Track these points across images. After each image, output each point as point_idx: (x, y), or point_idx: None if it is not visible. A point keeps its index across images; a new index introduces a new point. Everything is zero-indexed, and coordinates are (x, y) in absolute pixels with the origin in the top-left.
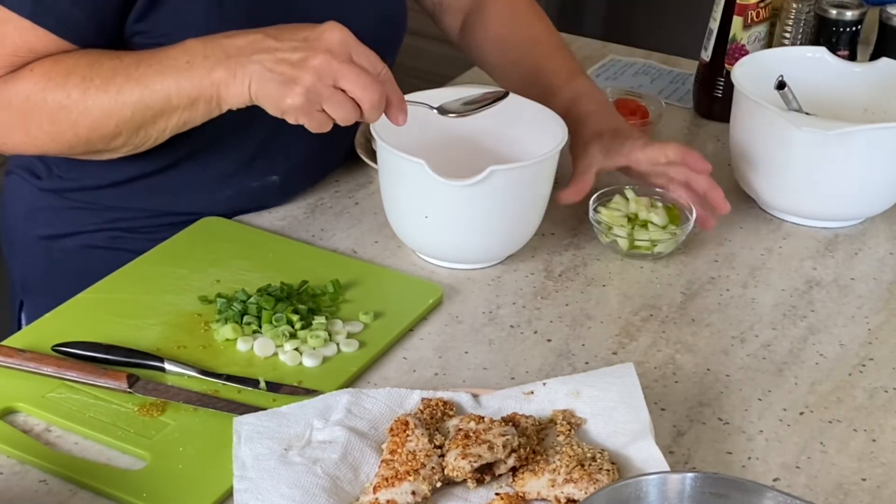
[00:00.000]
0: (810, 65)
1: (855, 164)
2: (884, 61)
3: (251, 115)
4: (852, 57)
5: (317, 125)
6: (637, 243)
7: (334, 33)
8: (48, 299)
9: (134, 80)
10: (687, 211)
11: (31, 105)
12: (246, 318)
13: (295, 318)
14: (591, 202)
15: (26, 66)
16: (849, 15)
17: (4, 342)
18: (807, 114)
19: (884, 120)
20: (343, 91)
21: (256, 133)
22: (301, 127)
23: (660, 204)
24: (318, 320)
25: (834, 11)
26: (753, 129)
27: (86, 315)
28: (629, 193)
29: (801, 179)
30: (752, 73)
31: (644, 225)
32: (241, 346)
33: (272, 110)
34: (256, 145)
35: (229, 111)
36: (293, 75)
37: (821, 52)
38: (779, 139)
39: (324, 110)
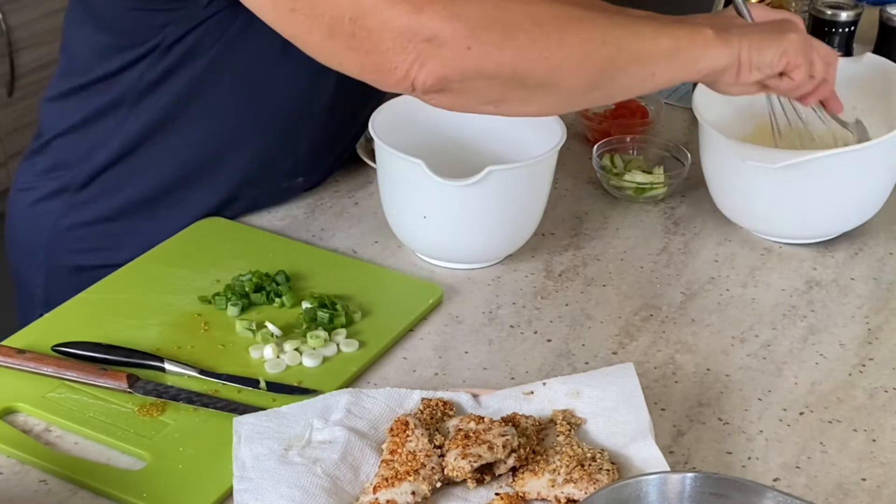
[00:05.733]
0: None
1: (804, 190)
2: (868, 57)
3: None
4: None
5: (804, 74)
6: (643, 187)
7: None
8: None
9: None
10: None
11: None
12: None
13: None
14: (594, 150)
15: None
16: (843, 16)
17: (4, 342)
18: (787, 118)
19: (871, 118)
20: None
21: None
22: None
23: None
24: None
25: (829, 12)
26: (710, 151)
27: (86, 315)
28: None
29: (758, 204)
30: None
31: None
32: (242, 343)
33: (774, 54)
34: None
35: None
36: (780, 31)
37: None
38: (731, 165)
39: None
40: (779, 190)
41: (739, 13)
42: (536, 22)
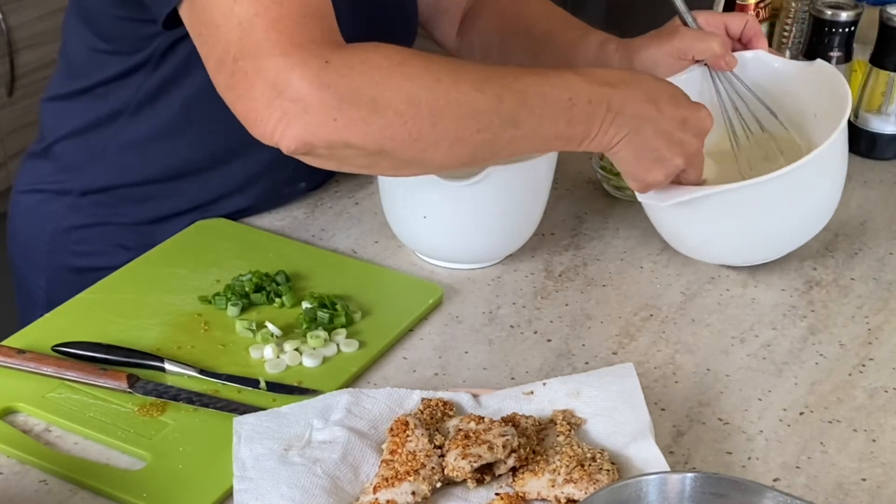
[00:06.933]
0: (753, 67)
1: (706, 222)
2: (819, 63)
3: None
4: (847, 58)
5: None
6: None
7: (708, 120)
8: None
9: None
10: None
11: None
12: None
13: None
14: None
15: None
16: (843, 16)
17: (4, 342)
18: (745, 128)
19: (825, 127)
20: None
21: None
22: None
23: None
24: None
25: (829, 12)
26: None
27: (86, 315)
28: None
29: (672, 233)
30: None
31: None
32: (242, 343)
33: (625, 173)
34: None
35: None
36: (667, 156)
37: (758, 54)
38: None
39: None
40: (680, 221)
41: (683, 21)
42: (411, 102)
